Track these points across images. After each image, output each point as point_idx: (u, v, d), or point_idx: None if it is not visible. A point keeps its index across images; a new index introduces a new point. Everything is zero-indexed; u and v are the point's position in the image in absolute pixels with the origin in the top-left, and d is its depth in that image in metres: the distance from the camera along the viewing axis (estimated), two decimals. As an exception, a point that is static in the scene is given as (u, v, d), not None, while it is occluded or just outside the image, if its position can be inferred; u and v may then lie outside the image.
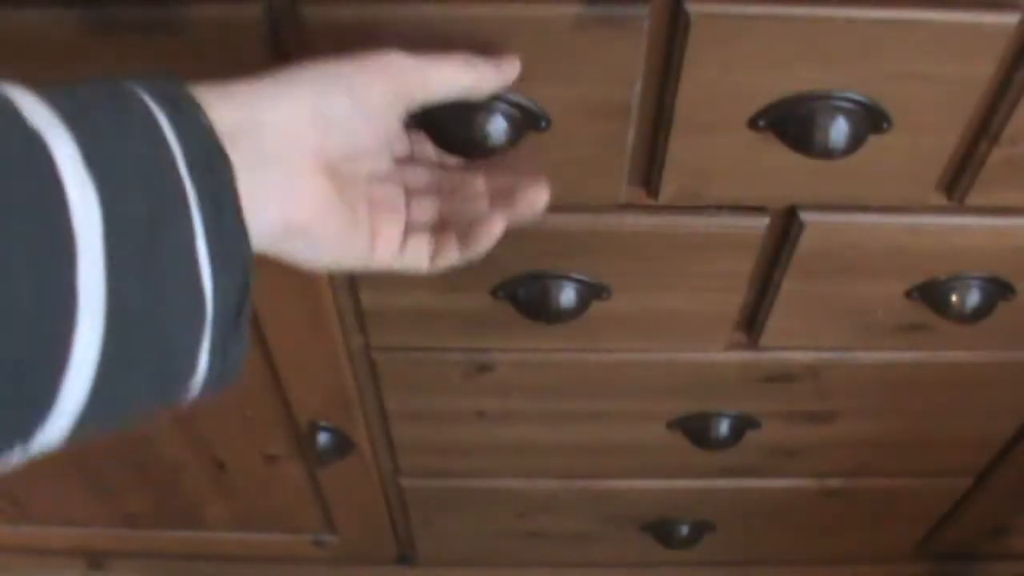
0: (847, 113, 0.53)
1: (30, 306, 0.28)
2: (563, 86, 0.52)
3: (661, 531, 1.04)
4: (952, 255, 0.66)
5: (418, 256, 0.48)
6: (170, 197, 0.33)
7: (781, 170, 0.58)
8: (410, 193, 0.49)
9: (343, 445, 0.86)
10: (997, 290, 0.68)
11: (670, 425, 0.84)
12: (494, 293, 0.68)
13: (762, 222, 0.63)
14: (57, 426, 0.31)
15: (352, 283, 0.69)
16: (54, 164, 0.30)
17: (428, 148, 0.51)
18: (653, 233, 0.64)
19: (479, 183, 0.50)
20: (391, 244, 0.47)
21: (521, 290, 0.67)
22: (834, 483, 0.96)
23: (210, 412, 0.86)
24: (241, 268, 0.36)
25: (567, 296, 0.67)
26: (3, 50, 0.51)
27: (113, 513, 1.07)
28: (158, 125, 0.34)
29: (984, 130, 0.57)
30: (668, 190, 0.59)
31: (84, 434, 0.32)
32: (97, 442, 0.92)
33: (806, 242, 0.64)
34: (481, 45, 0.48)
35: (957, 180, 0.60)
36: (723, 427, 0.83)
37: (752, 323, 0.74)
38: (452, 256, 0.48)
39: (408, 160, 0.51)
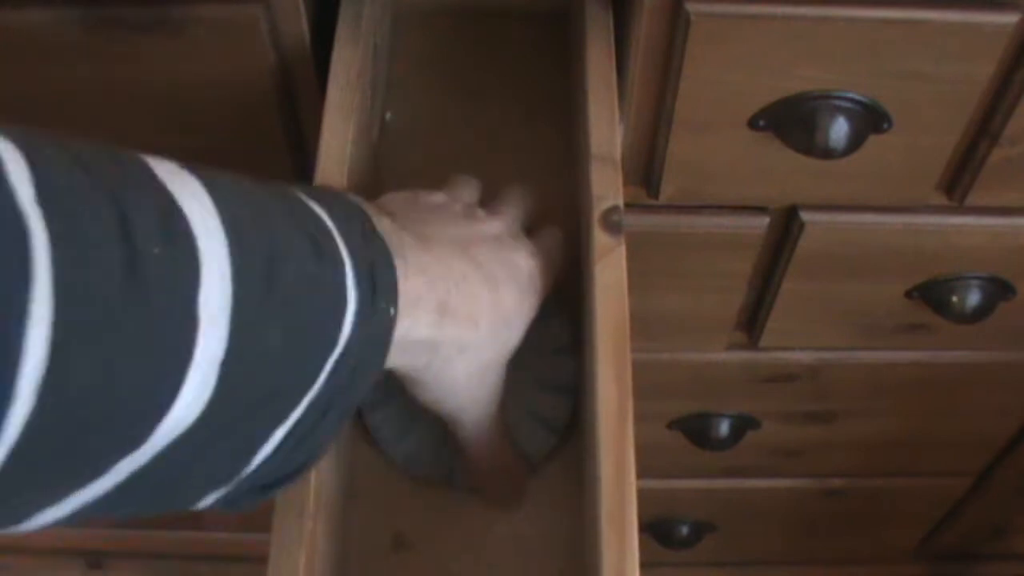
0: (847, 113, 0.53)
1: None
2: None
3: (661, 531, 1.04)
4: (952, 255, 0.66)
5: None
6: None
7: (781, 170, 0.58)
8: None
9: (343, 445, 0.86)
10: (997, 290, 0.68)
11: (670, 425, 0.84)
12: (494, 293, 0.68)
13: (762, 222, 0.63)
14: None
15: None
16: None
17: None
18: (653, 233, 0.64)
19: None
20: None
21: (521, 290, 0.67)
22: (834, 483, 0.97)
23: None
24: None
25: (567, 296, 0.67)
26: (3, 50, 0.51)
27: (113, 513, 1.07)
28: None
29: (984, 130, 0.57)
30: (668, 190, 0.59)
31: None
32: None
33: (806, 242, 0.64)
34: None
35: (957, 180, 0.60)
36: (723, 427, 0.83)
37: (752, 323, 0.74)
38: None
39: None
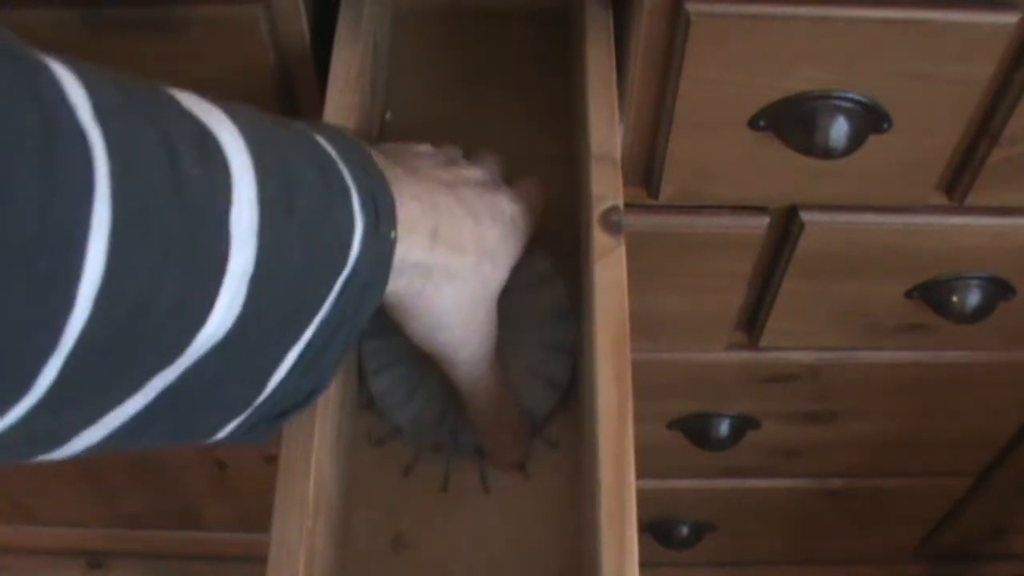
0: (847, 113, 0.53)
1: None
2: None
3: (661, 531, 1.04)
4: (952, 255, 0.66)
5: None
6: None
7: (781, 170, 0.58)
8: None
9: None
10: (997, 290, 0.68)
11: (670, 425, 0.84)
12: (494, 293, 0.68)
13: (762, 222, 0.63)
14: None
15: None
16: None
17: None
18: (653, 233, 0.64)
19: None
20: None
21: (521, 290, 0.67)
22: (834, 483, 0.97)
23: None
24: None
25: (567, 296, 0.67)
26: (3, 50, 0.51)
27: (113, 513, 1.07)
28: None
29: (984, 130, 0.57)
30: (668, 190, 0.59)
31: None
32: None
33: (806, 242, 0.64)
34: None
35: (957, 180, 0.60)
36: (723, 427, 0.83)
37: (752, 323, 0.74)
38: None
39: None
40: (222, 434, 0.36)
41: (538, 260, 0.48)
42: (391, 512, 0.46)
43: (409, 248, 0.38)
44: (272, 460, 0.92)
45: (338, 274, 0.34)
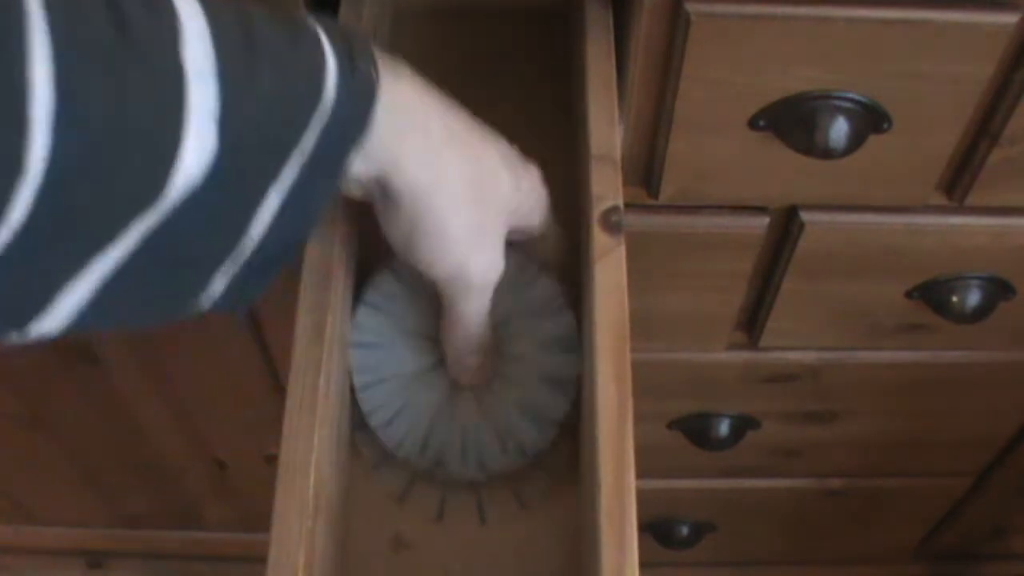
0: (847, 113, 0.53)
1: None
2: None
3: (661, 531, 1.04)
4: (952, 255, 0.66)
5: None
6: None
7: (781, 170, 0.58)
8: None
9: (343, 445, 0.86)
10: (997, 290, 0.68)
11: (670, 425, 0.84)
12: (494, 293, 0.68)
13: (762, 222, 0.63)
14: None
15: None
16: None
17: None
18: (653, 233, 0.64)
19: None
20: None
21: (521, 290, 0.67)
22: (834, 483, 0.97)
23: (210, 412, 0.86)
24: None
25: (567, 296, 0.67)
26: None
27: (113, 513, 1.07)
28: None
29: (984, 130, 0.57)
30: (668, 190, 0.59)
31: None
32: (97, 443, 0.92)
33: (806, 242, 0.64)
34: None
35: (957, 180, 0.60)
36: (723, 427, 0.83)
37: (752, 323, 0.74)
38: None
39: None
40: (213, 293, 0.35)
41: (548, 286, 0.47)
42: (391, 512, 0.46)
43: (394, 109, 0.37)
44: (272, 460, 0.92)
45: (312, 108, 0.34)
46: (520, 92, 0.56)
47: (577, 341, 0.47)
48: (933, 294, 0.68)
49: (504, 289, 0.44)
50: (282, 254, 0.37)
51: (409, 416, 0.47)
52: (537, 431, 0.46)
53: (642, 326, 0.73)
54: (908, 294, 0.69)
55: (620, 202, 0.43)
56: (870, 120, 0.53)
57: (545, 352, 0.47)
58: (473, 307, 0.44)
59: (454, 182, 0.40)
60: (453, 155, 0.40)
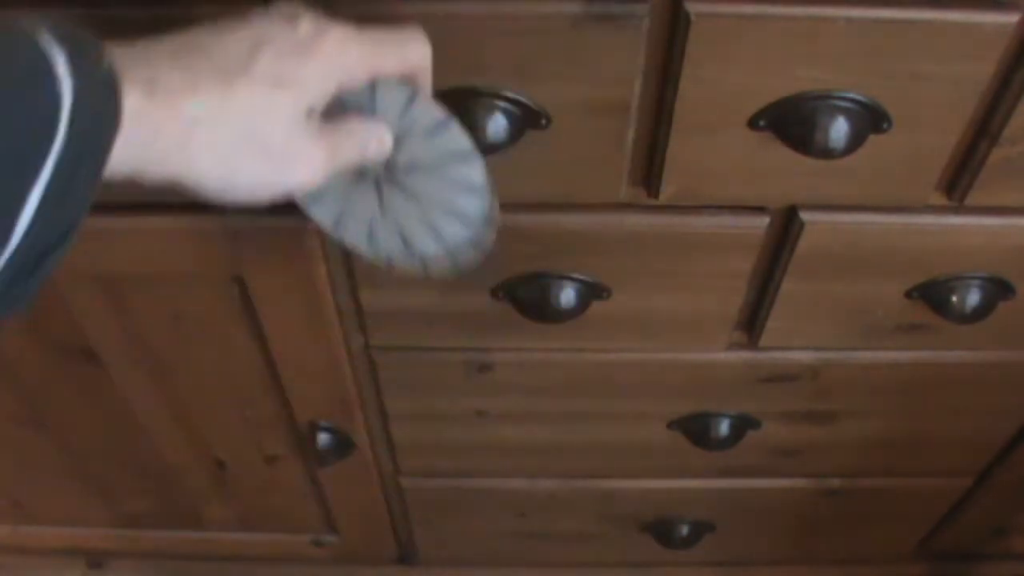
0: (847, 113, 0.53)
1: None
2: (563, 84, 0.52)
3: (661, 531, 1.04)
4: (952, 255, 0.66)
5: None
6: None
7: (781, 170, 0.58)
8: None
9: (343, 445, 0.86)
10: (997, 290, 0.68)
11: (670, 425, 0.84)
12: (494, 293, 0.68)
13: (762, 222, 0.63)
14: None
15: (352, 283, 0.69)
16: None
17: None
18: (653, 233, 0.64)
19: None
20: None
21: (521, 290, 0.67)
22: (834, 483, 0.96)
23: (210, 412, 0.86)
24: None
25: (567, 296, 0.67)
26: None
27: (113, 513, 1.07)
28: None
29: (984, 130, 0.57)
30: (668, 190, 0.59)
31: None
32: (97, 443, 0.92)
33: (806, 242, 0.64)
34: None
35: (957, 180, 0.60)
36: (723, 427, 0.83)
37: (752, 323, 0.74)
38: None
39: None
40: None
41: (431, 108, 0.47)
42: None
43: (138, 120, 0.38)
44: (272, 460, 0.92)
45: (54, 109, 0.34)
46: None
47: (473, 149, 0.48)
48: (933, 294, 0.68)
49: (392, 115, 0.47)
50: (53, 246, 0.37)
51: (350, 220, 0.51)
52: (459, 232, 0.50)
53: (642, 326, 0.73)
54: (908, 294, 0.69)
55: None
56: (870, 120, 0.53)
57: (448, 163, 0.49)
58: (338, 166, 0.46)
59: (234, 153, 0.42)
60: (217, 126, 0.41)
